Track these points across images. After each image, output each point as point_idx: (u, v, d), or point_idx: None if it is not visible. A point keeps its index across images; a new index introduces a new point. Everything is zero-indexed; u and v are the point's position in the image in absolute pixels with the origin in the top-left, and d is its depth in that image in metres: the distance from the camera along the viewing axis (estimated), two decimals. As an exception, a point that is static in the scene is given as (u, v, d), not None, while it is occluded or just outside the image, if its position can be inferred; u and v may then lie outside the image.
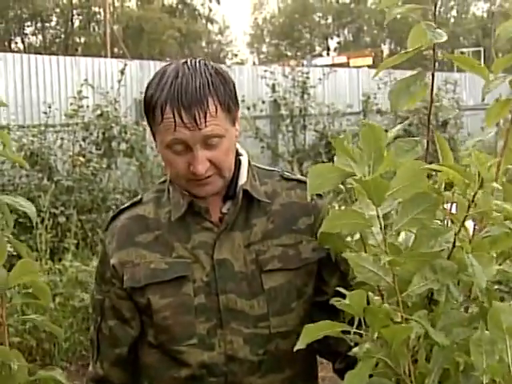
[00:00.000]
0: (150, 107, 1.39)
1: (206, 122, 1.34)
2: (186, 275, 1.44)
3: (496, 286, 1.23)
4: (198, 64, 1.39)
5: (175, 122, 1.34)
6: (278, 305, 1.45)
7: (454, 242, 1.13)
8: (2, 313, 1.25)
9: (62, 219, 6.22)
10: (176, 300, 1.44)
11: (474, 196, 1.12)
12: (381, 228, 1.10)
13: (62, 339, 1.23)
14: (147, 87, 1.41)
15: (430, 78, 1.24)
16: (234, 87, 1.42)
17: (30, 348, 4.73)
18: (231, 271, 1.44)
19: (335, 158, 1.11)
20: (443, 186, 1.19)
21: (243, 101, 8.88)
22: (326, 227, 1.13)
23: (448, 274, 1.10)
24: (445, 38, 1.18)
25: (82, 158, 6.74)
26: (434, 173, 1.18)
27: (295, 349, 1.10)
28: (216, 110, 1.35)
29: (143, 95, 1.42)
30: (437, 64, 1.26)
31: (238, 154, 1.51)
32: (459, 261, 1.11)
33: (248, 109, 8.93)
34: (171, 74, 1.36)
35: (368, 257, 1.13)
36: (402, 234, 1.19)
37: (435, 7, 1.22)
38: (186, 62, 1.39)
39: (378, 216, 1.09)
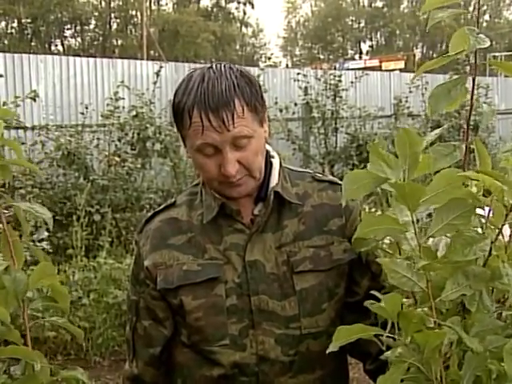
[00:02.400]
0: (178, 113, 1.40)
1: (234, 123, 1.34)
2: (218, 276, 1.45)
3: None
4: (223, 68, 1.39)
5: (203, 125, 1.34)
6: (309, 306, 1.46)
7: (490, 251, 1.12)
8: (25, 315, 1.26)
9: (97, 217, 6.28)
10: (208, 301, 1.45)
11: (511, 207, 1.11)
12: (415, 233, 1.10)
13: (81, 341, 1.26)
14: (175, 94, 1.42)
15: (470, 82, 1.22)
16: (260, 88, 1.43)
17: (65, 342, 4.82)
18: (263, 272, 1.45)
19: (368, 164, 1.10)
20: (481, 191, 1.17)
21: (276, 103, 8.93)
22: (360, 233, 1.13)
23: (481, 281, 1.09)
24: (488, 44, 1.16)
25: (117, 158, 6.79)
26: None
27: (328, 351, 1.09)
28: (243, 110, 1.36)
29: (172, 103, 1.43)
30: (469, 68, 1.27)
31: (269, 156, 1.51)
32: (494, 269, 1.10)
33: (280, 111, 8.95)
34: (197, 79, 1.37)
35: (402, 262, 1.12)
36: (431, 239, 1.17)
37: (478, 12, 1.21)
38: (212, 67, 1.40)
39: (413, 221, 1.09)
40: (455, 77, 1.26)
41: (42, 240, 4.84)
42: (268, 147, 1.53)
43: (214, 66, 1.40)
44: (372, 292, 1.20)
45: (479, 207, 1.16)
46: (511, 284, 1.05)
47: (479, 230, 1.16)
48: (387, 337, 1.10)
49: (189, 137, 1.40)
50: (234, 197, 1.44)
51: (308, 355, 1.47)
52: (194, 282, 1.45)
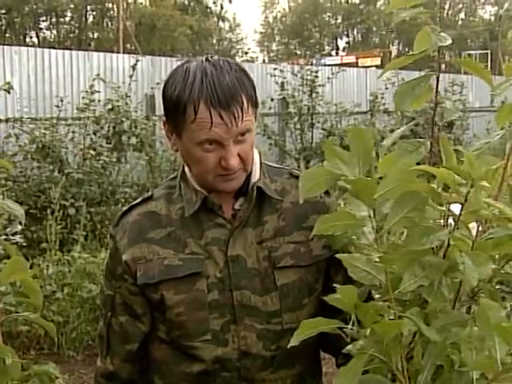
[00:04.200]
0: (178, 107, 1.35)
1: (242, 118, 1.34)
2: (200, 271, 1.44)
3: (498, 287, 1.24)
4: (220, 61, 1.37)
5: (212, 121, 1.32)
6: (291, 301, 1.46)
7: (449, 241, 1.13)
8: (-3, 309, 1.20)
9: (71, 211, 6.24)
10: (190, 296, 1.43)
11: (466, 195, 1.12)
12: (372, 227, 1.10)
13: (54, 335, 1.23)
14: (170, 86, 1.38)
15: (435, 80, 1.24)
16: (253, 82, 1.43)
17: (38, 337, 4.80)
18: (244, 267, 1.44)
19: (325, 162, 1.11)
20: (441, 186, 1.17)
21: (252, 98, 8.92)
22: (318, 229, 1.12)
23: (437, 271, 1.10)
24: (449, 42, 1.18)
25: (92, 152, 6.75)
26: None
27: (289, 345, 1.11)
28: (248, 105, 1.35)
29: (166, 94, 1.39)
30: (444, 66, 1.26)
31: None
32: (454, 260, 1.11)
33: (257, 106, 8.95)
34: (197, 73, 1.34)
35: (361, 256, 1.14)
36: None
37: (442, 11, 1.25)
38: (208, 60, 1.37)
39: (370, 216, 1.10)
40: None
41: (15, 233, 4.79)
42: None
43: (210, 59, 1.38)
44: (334, 285, 1.19)
45: (454, 202, 1.16)
46: (466, 271, 1.06)
47: (441, 222, 1.17)
48: (352, 330, 1.12)
49: (190, 130, 1.36)
50: (226, 191, 1.43)
51: (289, 350, 1.44)
52: (176, 277, 1.44)
